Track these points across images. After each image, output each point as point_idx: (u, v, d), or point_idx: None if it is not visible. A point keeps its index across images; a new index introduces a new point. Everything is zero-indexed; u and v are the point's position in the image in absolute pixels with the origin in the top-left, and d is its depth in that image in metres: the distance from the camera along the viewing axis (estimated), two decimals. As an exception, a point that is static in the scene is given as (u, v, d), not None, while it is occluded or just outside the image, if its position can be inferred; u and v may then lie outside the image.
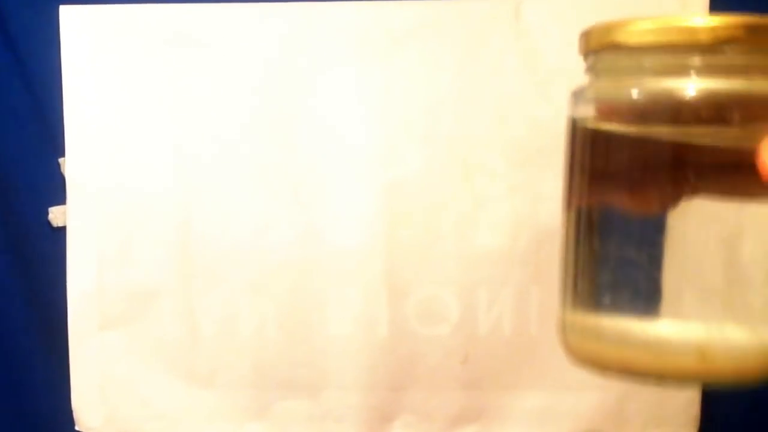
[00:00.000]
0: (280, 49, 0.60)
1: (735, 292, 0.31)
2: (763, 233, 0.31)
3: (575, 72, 0.33)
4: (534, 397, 0.62)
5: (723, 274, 0.31)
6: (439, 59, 0.59)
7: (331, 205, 0.60)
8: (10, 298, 0.63)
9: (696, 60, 0.29)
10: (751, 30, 0.29)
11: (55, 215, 0.62)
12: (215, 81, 0.60)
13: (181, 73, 0.60)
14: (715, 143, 0.30)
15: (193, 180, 0.61)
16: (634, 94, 0.30)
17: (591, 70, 0.33)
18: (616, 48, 0.31)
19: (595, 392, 0.61)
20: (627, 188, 0.31)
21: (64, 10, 0.60)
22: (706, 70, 0.29)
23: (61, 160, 0.61)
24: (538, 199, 0.60)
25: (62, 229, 0.62)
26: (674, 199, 0.30)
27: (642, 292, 0.31)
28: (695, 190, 0.30)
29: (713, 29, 0.29)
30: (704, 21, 0.29)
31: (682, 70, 0.29)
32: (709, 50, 0.29)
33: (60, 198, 0.62)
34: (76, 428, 0.63)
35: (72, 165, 0.61)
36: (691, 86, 0.29)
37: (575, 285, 0.32)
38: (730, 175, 0.30)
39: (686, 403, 0.61)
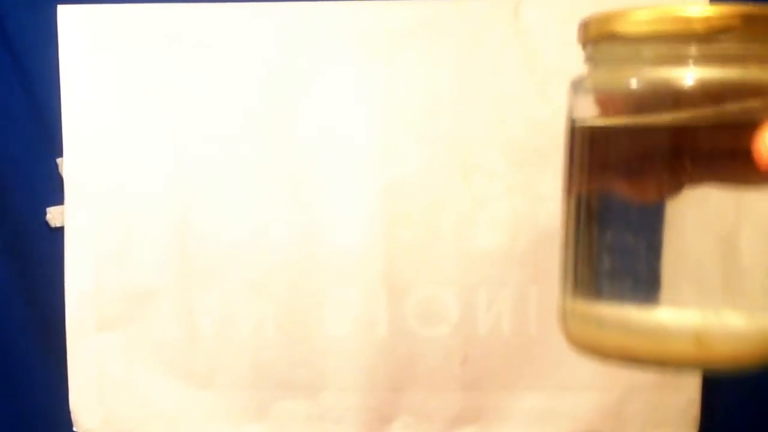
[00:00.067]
0: (278, 48, 0.60)
1: (732, 279, 0.31)
2: (760, 221, 0.31)
3: (574, 71, 0.33)
4: (533, 397, 0.62)
5: (721, 262, 0.31)
6: (438, 59, 0.59)
7: (330, 204, 0.60)
8: (8, 299, 0.62)
9: (692, 49, 0.29)
10: (747, 19, 0.29)
11: (53, 215, 0.62)
12: (214, 81, 0.60)
13: (179, 72, 0.60)
14: (712, 132, 0.30)
15: (191, 180, 0.60)
16: (633, 83, 0.31)
17: (590, 60, 0.33)
18: (615, 38, 0.31)
19: (594, 393, 0.61)
20: (626, 177, 0.31)
21: (61, 9, 0.60)
22: (703, 60, 0.29)
23: (59, 160, 0.61)
24: (538, 199, 0.60)
25: (60, 230, 0.62)
26: (673, 187, 0.30)
27: (641, 279, 0.31)
28: (693, 178, 0.30)
29: (708, 19, 0.29)
30: (699, 10, 0.29)
31: (679, 60, 0.30)
32: (705, 39, 0.29)
33: (58, 198, 0.62)
34: (74, 429, 0.63)
35: (70, 165, 0.61)
36: (688, 75, 0.29)
37: (575, 273, 0.33)
38: (728, 163, 0.30)
39: (686, 403, 0.61)
